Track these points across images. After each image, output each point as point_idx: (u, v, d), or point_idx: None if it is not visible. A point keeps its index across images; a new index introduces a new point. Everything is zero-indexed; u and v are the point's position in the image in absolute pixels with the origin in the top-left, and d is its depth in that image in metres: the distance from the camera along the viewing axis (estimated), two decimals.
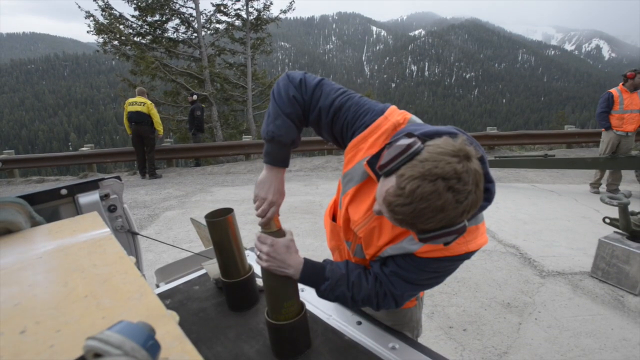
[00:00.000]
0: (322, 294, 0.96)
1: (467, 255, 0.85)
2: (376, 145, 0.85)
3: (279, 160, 0.97)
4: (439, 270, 0.88)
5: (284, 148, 0.96)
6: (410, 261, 0.88)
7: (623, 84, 4.89)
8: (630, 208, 2.79)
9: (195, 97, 8.80)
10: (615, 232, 2.92)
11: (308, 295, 1.19)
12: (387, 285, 0.91)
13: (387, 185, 0.69)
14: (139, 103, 6.93)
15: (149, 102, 7.04)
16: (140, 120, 6.97)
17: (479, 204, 0.69)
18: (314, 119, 0.95)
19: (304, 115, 0.96)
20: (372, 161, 0.83)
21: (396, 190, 0.66)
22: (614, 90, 4.95)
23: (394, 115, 0.87)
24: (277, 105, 0.93)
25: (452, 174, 0.63)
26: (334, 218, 1.14)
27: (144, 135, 7.12)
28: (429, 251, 0.84)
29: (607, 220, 2.96)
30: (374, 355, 0.94)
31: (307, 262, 0.95)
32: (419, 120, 0.89)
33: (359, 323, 1.08)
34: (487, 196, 0.76)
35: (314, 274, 0.95)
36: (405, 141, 0.68)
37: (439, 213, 0.64)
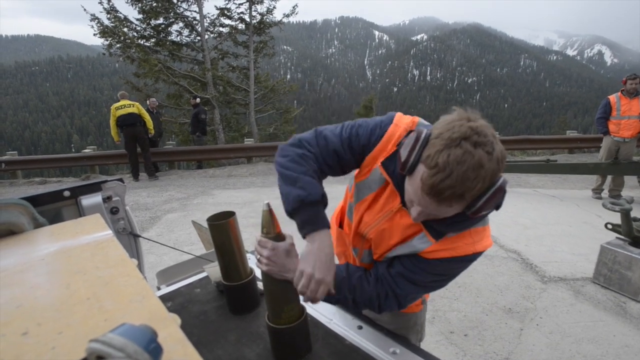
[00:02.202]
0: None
1: (475, 256, 0.86)
2: (392, 152, 0.89)
3: (318, 222, 0.86)
4: (445, 272, 0.89)
5: (316, 207, 0.86)
6: (417, 262, 0.88)
7: (622, 91, 4.92)
8: (633, 214, 2.78)
9: (198, 100, 8.84)
10: (617, 238, 2.91)
11: None
12: (390, 285, 0.92)
13: (416, 178, 0.71)
14: (128, 105, 6.90)
15: (136, 103, 7.04)
16: (134, 121, 6.94)
17: (505, 154, 0.70)
18: (334, 163, 0.93)
19: (319, 167, 0.92)
20: (386, 163, 0.86)
21: (431, 171, 0.67)
22: (612, 97, 4.99)
23: (403, 120, 0.91)
24: (290, 172, 0.87)
25: (470, 132, 0.66)
26: (340, 225, 1.15)
27: (138, 136, 7.10)
28: (436, 251, 0.85)
29: (609, 226, 2.95)
30: None
31: None
32: (426, 123, 0.92)
33: (360, 327, 1.07)
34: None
35: None
36: (412, 134, 0.73)
37: (480, 169, 0.66)
